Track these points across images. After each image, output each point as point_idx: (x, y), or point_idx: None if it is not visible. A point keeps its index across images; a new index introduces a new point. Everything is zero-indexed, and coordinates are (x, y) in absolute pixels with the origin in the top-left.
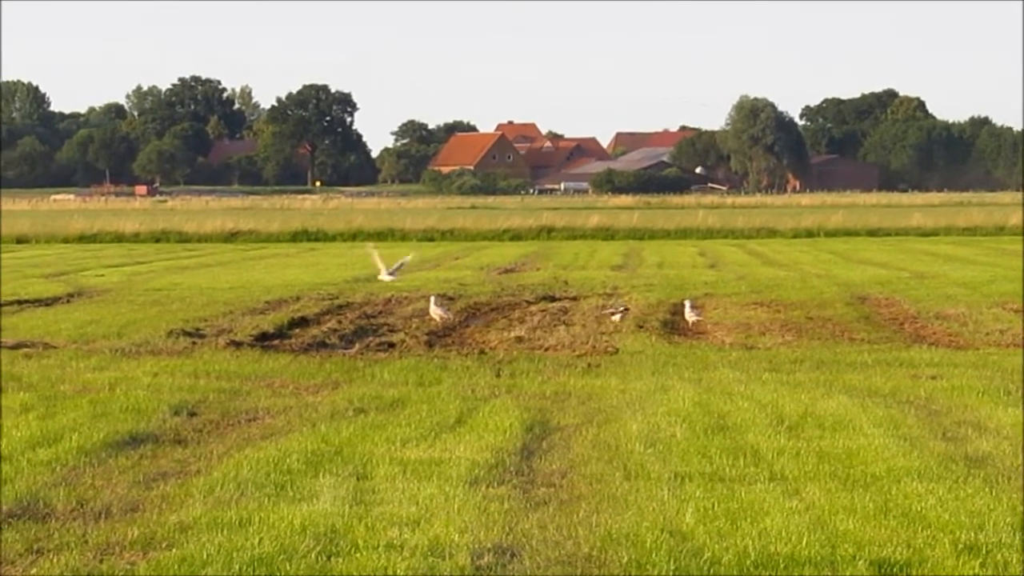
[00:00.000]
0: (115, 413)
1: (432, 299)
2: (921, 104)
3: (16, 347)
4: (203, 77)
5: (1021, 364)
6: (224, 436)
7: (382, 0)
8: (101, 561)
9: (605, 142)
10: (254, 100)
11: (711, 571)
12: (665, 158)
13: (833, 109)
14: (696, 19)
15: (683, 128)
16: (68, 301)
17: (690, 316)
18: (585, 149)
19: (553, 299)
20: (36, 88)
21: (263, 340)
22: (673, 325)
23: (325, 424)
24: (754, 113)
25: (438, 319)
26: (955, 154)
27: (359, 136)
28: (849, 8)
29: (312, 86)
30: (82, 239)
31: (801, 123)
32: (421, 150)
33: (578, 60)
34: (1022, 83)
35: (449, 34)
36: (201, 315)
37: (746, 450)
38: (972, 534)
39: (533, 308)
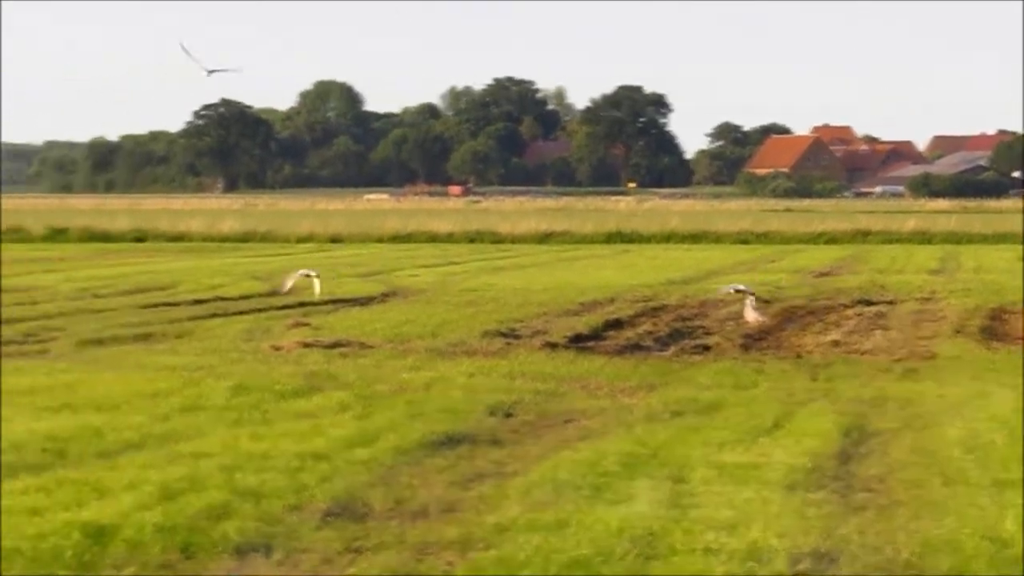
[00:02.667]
0: (431, 413)
1: (747, 302)
2: None
3: (332, 346)
4: (517, 78)
5: None
6: (540, 437)
7: (695, 1)
8: (419, 561)
9: (921, 145)
10: (568, 101)
11: None
12: (983, 162)
13: None
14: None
15: (1001, 132)
16: (383, 301)
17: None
18: (901, 152)
19: (869, 303)
20: (350, 88)
21: (578, 342)
22: (991, 330)
23: (641, 427)
24: None
25: (753, 322)
26: None
27: (673, 138)
28: None
29: (626, 87)
30: (396, 239)
31: None
32: (736, 152)
33: (894, 64)
34: None
35: (763, 35)
36: (516, 316)
37: None
38: None
39: (849, 312)
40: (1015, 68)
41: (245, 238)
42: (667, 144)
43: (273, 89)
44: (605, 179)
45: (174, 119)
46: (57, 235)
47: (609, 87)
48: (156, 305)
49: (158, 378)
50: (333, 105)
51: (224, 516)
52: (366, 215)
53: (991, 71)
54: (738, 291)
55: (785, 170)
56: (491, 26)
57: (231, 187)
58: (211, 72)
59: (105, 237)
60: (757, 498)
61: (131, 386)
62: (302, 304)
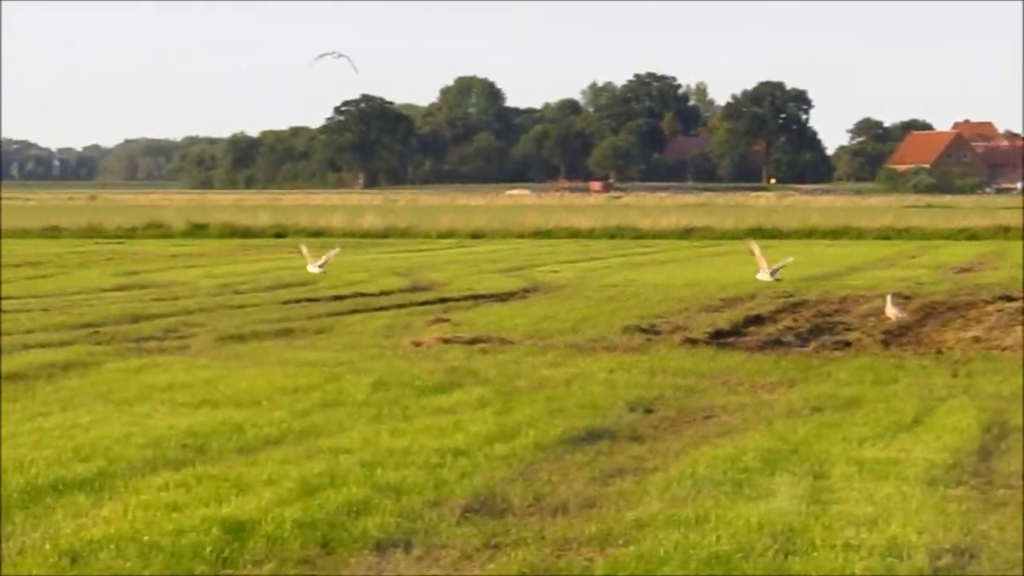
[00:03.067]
0: (571, 409)
1: (888, 298)
2: None
3: (472, 342)
4: (658, 73)
5: None
6: (680, 433)
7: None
8: (558, 557)
9: None
10: (709, 97)
11: None
12: None
13: None
14: None
15: None
16: (524, 296)
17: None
18: None
19: (1010, 299)
20: (492, 84)
21: (718, 337)
22: None
23: (781, 422)
24: None
25: (893, 318)
26: None
27: (814, 133)
28: None
29: (767, 83)
30: (537, 234)
31: None
32: (877, 148)
33: None
34: None
35: (905, 31)
36: (656, 312)
37: None
38: None
39: (990, 308)
40: None
41: (385, 234)
42: (808, 140)
43: (414, 85)
44: (746, 175)
45: (315, 114)
46: (197, 231)
47: (751, 83)
48: (297, 301)
49: (298, 374)
50: (474, 101)
51: (364, 512)
52: (507, 211)
53: None
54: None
55: (926, 166)
56: (633, 21)
57: (372, 183)
58: (319, 58)
59: (245, 233)
60: (897, 494)
61: (271, 382)
62: (443, 300)
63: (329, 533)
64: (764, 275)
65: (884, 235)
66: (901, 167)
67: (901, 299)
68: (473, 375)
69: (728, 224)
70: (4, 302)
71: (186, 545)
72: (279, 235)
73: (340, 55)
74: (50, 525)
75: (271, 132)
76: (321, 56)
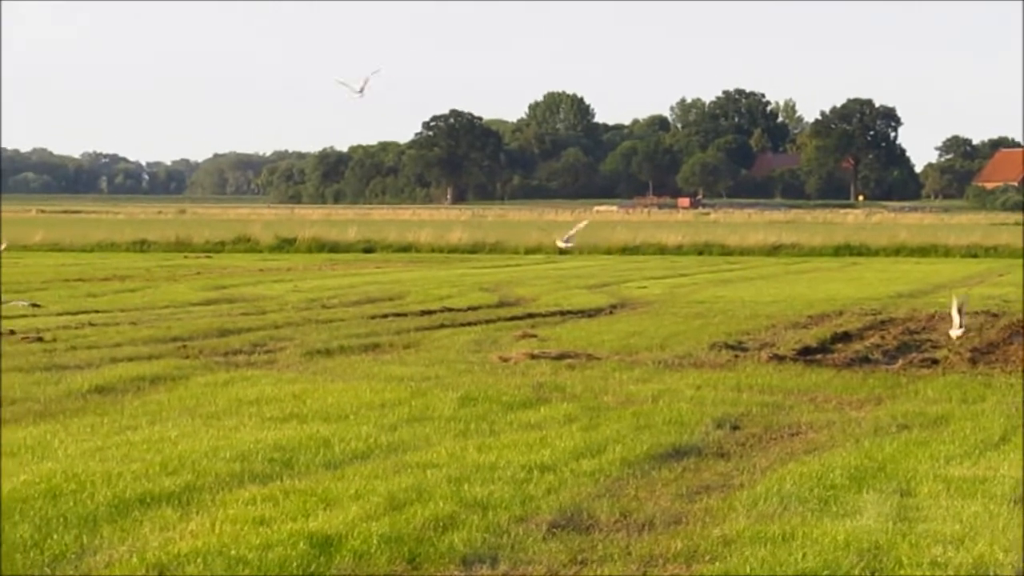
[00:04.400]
0: (658, 425)
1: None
2: None
3: (559, 357)
4: (747, 90)
5: None
6: (767, 450)
7: (923, 18)
8: (644, 573)
9: None
10: (798, 113)
11: None
12: None
13: None
14: None
15: None
16: (611, 312)
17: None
18: None
19: None
20: (581, 99)
21: (805, 354)
22: None
23: (868, 440)
24: None
25: (956, 325)
26: None
27: (903, 151)
28: None
29: (856, 100)
30: (624, 250)
31: None
32: (965, 165)
33: None
34: None
35: (993, 48)
36: (743, 328)
37: None
38: None
39: None
40: None
41: (474, 249)
42: (896, 157)
43: (503, 100)
44: (834, 192)
45: (404, 130)
46: (285, 245)
47: (839, 100)
48: (384, 316)
49: (386, 388)
50: (563, 116)
51: (451, 527)
52: (595, 226)
53: None
54: None
55: (1014, 183)
56: (721, 38)
57: (460, 198)
58: (340, 81)
59: (333, 248)
60: (984, 512)
61: (359, 396)
62: (530, 315)
63: (416, 548)
64: (560, 243)
65: (972, 252)
66: (989, 184)
67: (990, 317)
68: (560, 391)
69: (816, 241)
70: (93, 315)
71: (273, 559)
72: (367, 250)
73: (373, 74)
74: (137, 539)
75: (360, 147)
76: (365, 81)
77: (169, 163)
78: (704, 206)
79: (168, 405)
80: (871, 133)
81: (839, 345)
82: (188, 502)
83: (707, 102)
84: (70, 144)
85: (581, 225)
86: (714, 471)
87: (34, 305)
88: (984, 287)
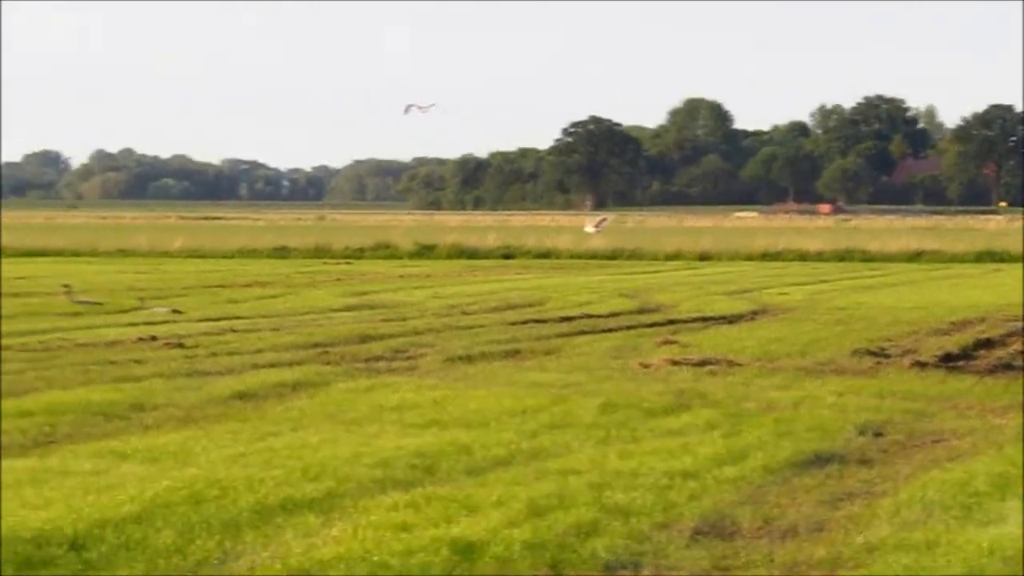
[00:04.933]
0: (800, 432)
1: None
2: None
3: (701, 364)
4: (887, 96)
5: None
6: (910, 457)
7: None
8: None
9: None
10: (938, 119)
11: None
12: None
13: None
14: None
15: None
16: (752, 319)
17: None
18: None
19: None
20: (720, 106)
21: (947, 361)
22: None
23: (1011, 446)
24: None
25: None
26: None
27: None
28: None
29: (997, 106)
30: (765, 256)
31: None
32: None
33: None
34: None
35: None
36: (885, 335)
37: None
38: None
39: None
40: None
41: (613, 255)
42: None
43: (643, 106)
44: (975, 198)
45: (543, 136)
46: (425, 251)
47: (980, 105)
48: (524, 322)
49: (526, 395)
50: (702, 123)
51: (593, 533)
52: (735, 233)
53: None
54: None
55: None
56: (862, 44)
57: (600, 204)
58: (408, 108)
59: (473, 254)
60: None
61: (500, 403)
62: (671, 322)
63: (558, 555)
64: (588, 228)
65: None
66: None
67: None
68: (701, 397)
69: (958, 247)
70: (235, 321)
71: (415, 565)
72: (507, 256)
73: (428, 106)
74: (280, 544)
75: (499, 153)
76: (409, 107)
77: (309, 169)
78: (844, 212)
79: (309, 411)
80: (1012, 139)
81: (981, 352)
82: (330, 508)
83: (847, 108)
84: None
85: (609, 219)
86: (856, 478)
87: (175, 311)
88: None
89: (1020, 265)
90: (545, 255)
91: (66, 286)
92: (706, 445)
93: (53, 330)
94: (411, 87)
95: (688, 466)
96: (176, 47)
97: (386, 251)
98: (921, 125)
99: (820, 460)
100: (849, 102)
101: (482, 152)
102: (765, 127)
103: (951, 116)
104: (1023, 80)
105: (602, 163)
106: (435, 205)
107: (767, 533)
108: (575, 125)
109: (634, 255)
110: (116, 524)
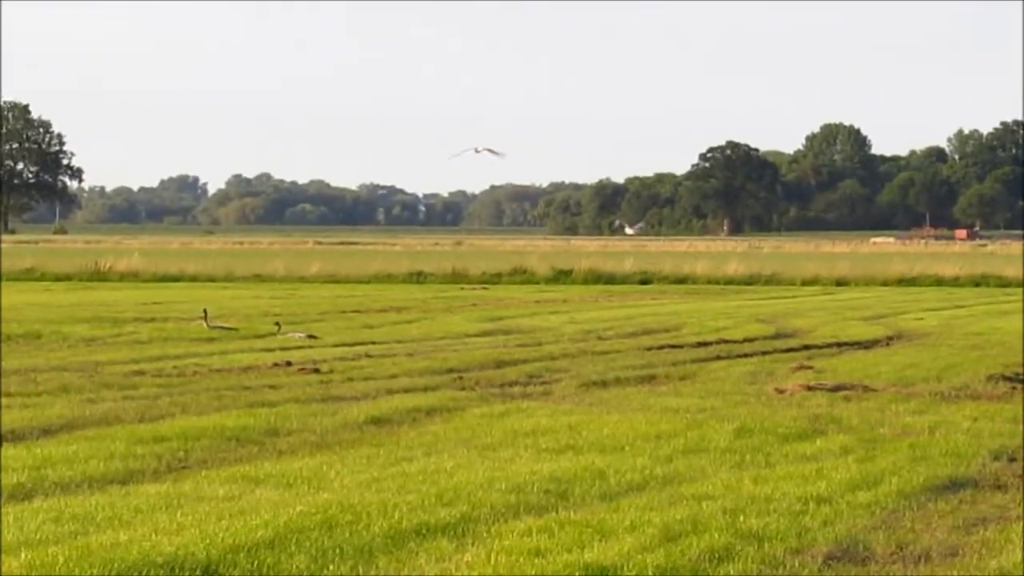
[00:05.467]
0: (934, 457)
1: None
2: None
3: (835, 389)
4: None
5: None
6: None
7: None
8: None
9: None
10: None
11: None
12: None
13: None
14: None
15: None
16: (887, 344)
17: None
18: None
19: None
20: (858, 131)
21: None
22: None
23: None
24: None
25: None
26: None
27: None
28: None
29: None
30: (901, 282)
31: None
32: None
33: None
34: None
35: None
36: (1020, 360)
37: None
38: None
39: None
40: None
41: (750, 280)
42: None
43: (780, 131)
44: None
45: (680, 161)
46: (561, 276)
47: None
48: (660, 347)
49: (661, 420)
50: (839, 147)
51: (726, 558)
52: (871, 258)
53: None
54: None
55: None
56: (1001, 69)
57: (736, 229)
58: (479, 151)
59: (609, 279)
60: None
61: (634, 428)
62: (806, 347)
63: None
64: None
65: None
66: None
67: None
68: (836, 422)
69: None
70: (370, 347)
71: None
72: (643, 281)
73: (486, 150)
74: (413, 569)
75: (636, 178)
76: (463, 152)
77: (446, 195)
78: (981, 237)
79: (444, 436)
80: None
81: None
82: (464, 533)
83: (985, 133)
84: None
85: (632, 230)
86: (991, 503)
87: (311, 336)
88: None
89: None
90: (682, 280)
91: (204, 312)
92: (840, 470)
93: (188, 355)
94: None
95: (822, 491)
96: (313, 72)
97: (522, 276)
98: None
99: (954, 485)
100: (987, 127)
101: (619, 177)
102: (903, 152)
103: None
104: None
105: (739, 188)
106: (572, 230)
107: (900, 558)
108: (712, 150)
109: (771, 280)
110: (249, 549)
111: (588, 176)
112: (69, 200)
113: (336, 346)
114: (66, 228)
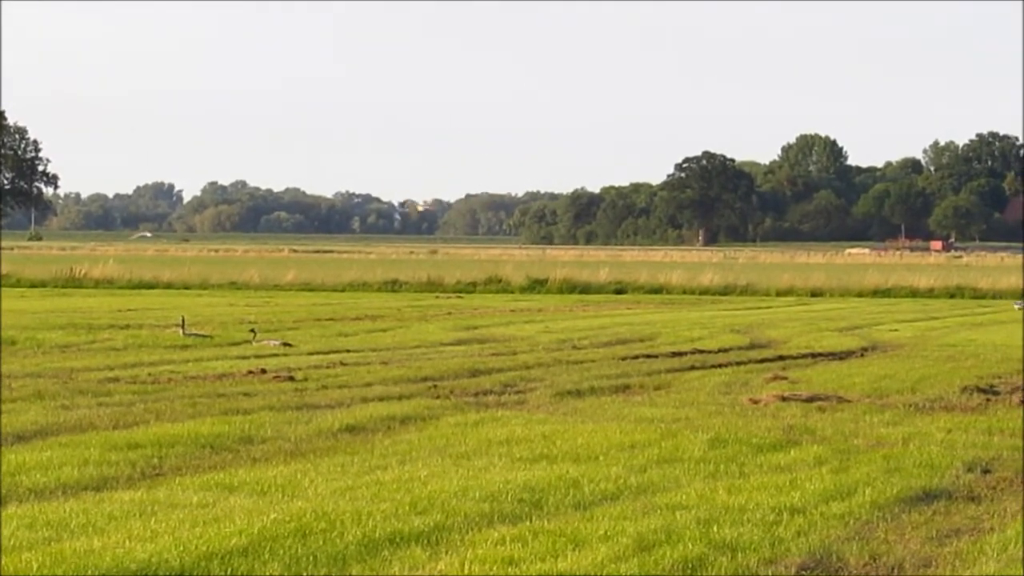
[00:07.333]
0: (908, 468)
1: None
2: None
3: (810, 400)
4: (1001, 133)
5: None
6: (1018, 494)
7: None
8: None
9: None
10: None
11: None
12: None
13: None
14: None
15: None
16: (862, 355)
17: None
18: None
19: None
20: (834, 142)
21: None
22: None
23: None
24: None
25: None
26: None
27: None
28: None
29: None
30: (876, 293)
31: None
32: None
33: None
34: None
35: None
36: (995, 372)
37: None
38: None
39: None
40: None
41: (725, 291)
42: None
43: (755, 142)
44: None
45: (656, 171)
46: (536, 286)
47: None
48: (635, 357)
49: (635, 430)
50: (815, 159)
51: (699, 568)
52: (846, 269)
53: None
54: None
55: None
56: (975, 82)
57: (712, 240)
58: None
59: (585, 288)
60: None
61: (608, 437)
62: (781, 358)
63: None
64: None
65: None
66: None
67: None
68: (810, 433)
69: None
70: (345, 355)
71: None
72: (618, 291)
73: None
74: None
75: (612, 188)
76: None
77: (421, 204)
78: (956, 249)
79: (418, 445)
80: None
81: None
82: (437, 542)
83: (960, 145)
84: (323, 184)
85: (273, 342)
86: (964, 515)
87: (286, 344)
88: None
89: None
90: (657, 290)
91: (181, 319)
92: (814, 481)
93: (162, 362)
94: (524, 122)
95: (796, 502)
96: (289, 80)
97: (498, 285)
98: None
99: (928, 496)
100: (963, 139)
101: (594, 187)
102: (878, 163)
103: None
104: None
105: (715, 198)
106: (547, 240)
107: (874, 570)
108: (688, 160)
109: (746, 291)
110: (223, 557)
111: (564, 186)
112: (44, 207)
113: (311, 354)
114: (41, 235)
